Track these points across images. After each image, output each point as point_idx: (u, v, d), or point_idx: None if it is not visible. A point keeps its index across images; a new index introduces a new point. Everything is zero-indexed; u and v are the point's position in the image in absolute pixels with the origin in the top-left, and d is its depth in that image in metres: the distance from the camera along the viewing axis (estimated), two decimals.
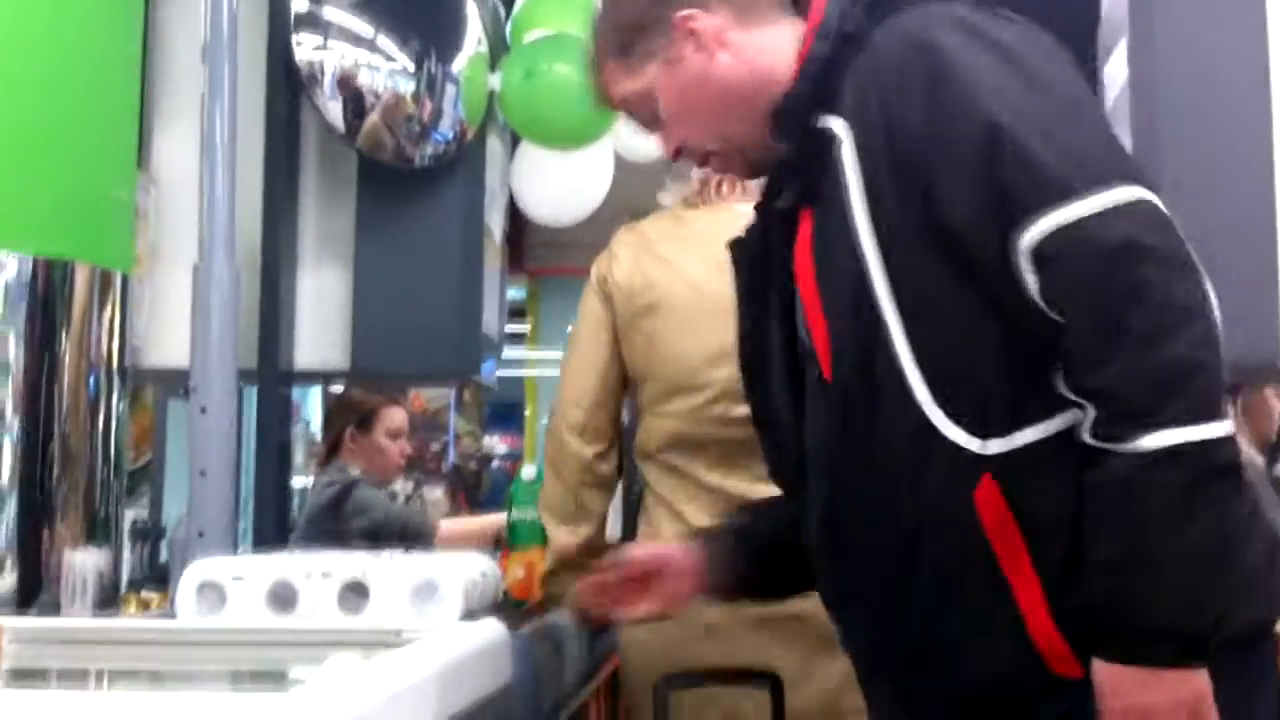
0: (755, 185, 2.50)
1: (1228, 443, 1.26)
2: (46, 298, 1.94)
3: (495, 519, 3.48)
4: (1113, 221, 1.27)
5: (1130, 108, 2.64)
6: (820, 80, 1.47)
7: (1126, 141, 2.64)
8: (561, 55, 3.02)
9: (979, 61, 1.37)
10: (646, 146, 3.46)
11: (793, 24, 1.55)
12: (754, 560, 1.68)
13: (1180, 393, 1.24)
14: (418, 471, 8.41)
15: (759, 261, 1.61)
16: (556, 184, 3.26)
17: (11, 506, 1.88)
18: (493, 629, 1.51)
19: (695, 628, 2.09)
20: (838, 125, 1.44)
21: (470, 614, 1.70)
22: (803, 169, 1.49)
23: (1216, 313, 1.29)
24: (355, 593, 1.66)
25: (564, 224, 3.41)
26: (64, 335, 1.97)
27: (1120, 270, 1.26)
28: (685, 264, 2.35)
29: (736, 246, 1.65)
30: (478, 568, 1.78)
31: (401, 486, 8.31)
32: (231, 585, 1.68)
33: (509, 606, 2.21)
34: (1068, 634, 1.32)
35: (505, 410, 9.87)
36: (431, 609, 1.65)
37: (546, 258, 9.06)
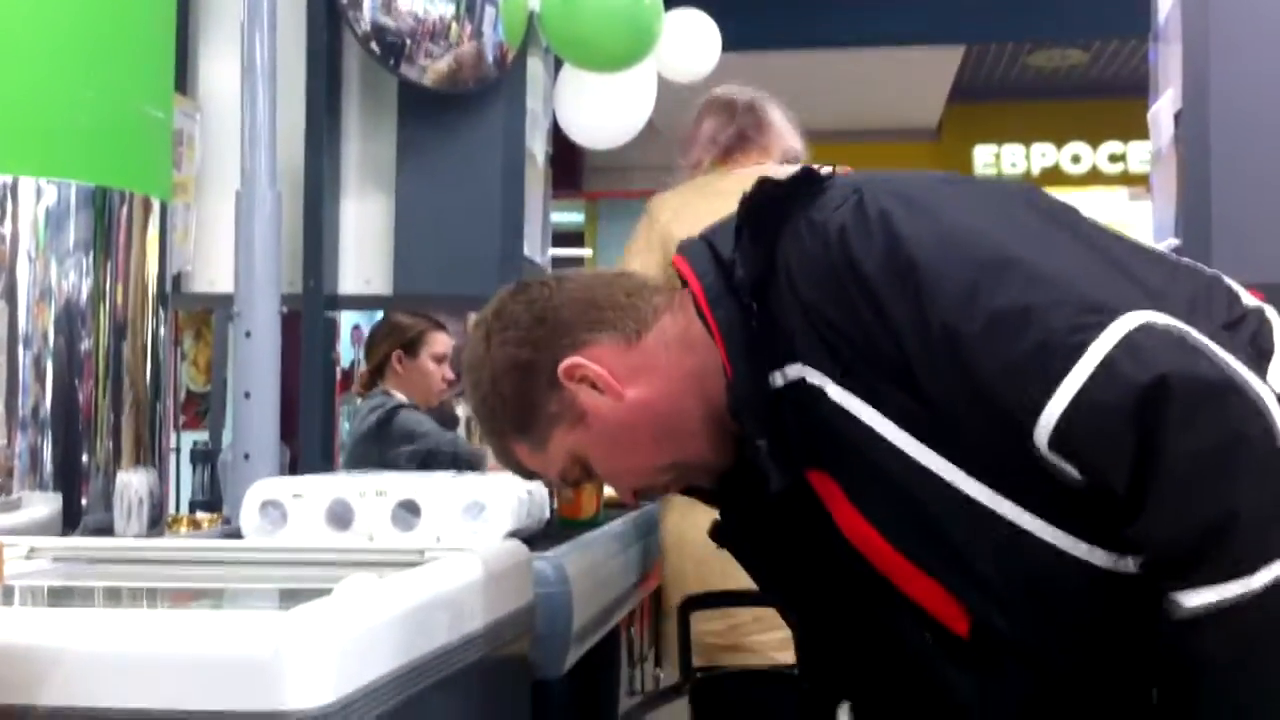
0: (776, 144, 2.61)
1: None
2: (86, 224, 1.96)
3: None
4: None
5: (1181, 24, 2.58)
6: (751, 348, 1.29)
7: (1177, 56, 2.59)
8: None
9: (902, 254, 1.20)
10: (690, 68, 3.45)
11: (684, 295, 1.37)
12: None
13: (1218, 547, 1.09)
14: None
15: (762, 545, 1.45)
16: (599, 106, 3.24)
17: (54, 431, 1.92)
18: (513, 549, 1.52)
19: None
20: (807, 374, 1.26)
21: (516, 532, 1.78)
22: (790, 442, 1.29)
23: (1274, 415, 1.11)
24: (408, 510, 1.74)
25: (607, 147, 3.40)
26: (104, 261, 1.99)
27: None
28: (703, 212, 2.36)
29: (720, 538, 1.47)
30: (524, 488, 1.83)
31: (464, 410, 8.41)
32: (292, 503, 1.76)
33: (556, 525, 2.24)
34: None
35: None
36: (480, 526, 1.72)
37: (603, 181, 9.04)
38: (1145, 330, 1.13)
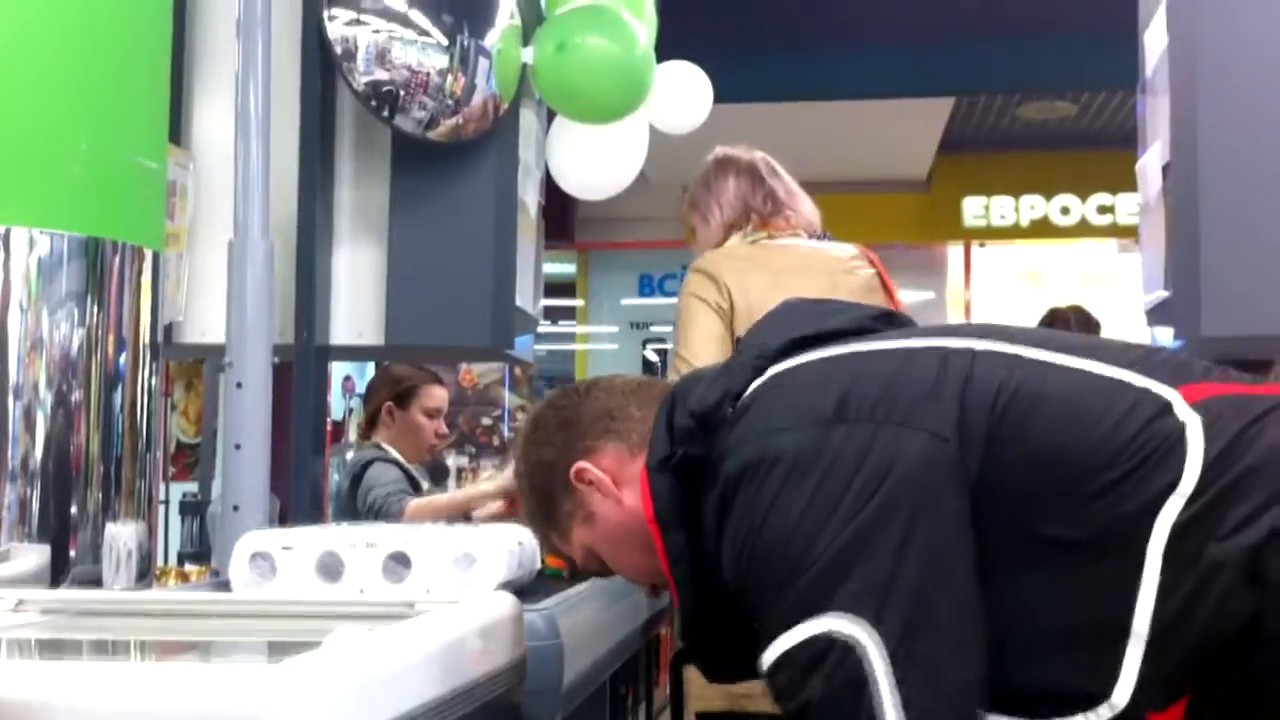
0: (806, 216, 2.75)
1: None
2: (77, 275, 1.96)
3: (469, 491, 3.49)
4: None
5: (1169, 76, 2.60)
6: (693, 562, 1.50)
7: (1165, 108, 2.61)
8: (594, 28, 3.01)
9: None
10: (683, 119, 3.47)
11: None
12: None
13: None
14: (470, 445, 8.47)
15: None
16: (591, 157, 3.25)
17: (43, 482, 1.91)
18: (504, 601, 1.51)
19: None
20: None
21: (508, 583, 1.78)
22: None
23: None
24: (399, 562, 1.76)
25: (599, 198, 3.41)
26: (96, 311, 1.99)
27: None
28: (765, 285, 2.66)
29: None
30: (515, 538, 1.86)
31: (454, 461, 8.39)
32: (281, 555, 1.78)
33: (544, 576, 2.23)
34: None
35: (558, 384, 9.92)
36: (471, 578, 1.74)
37: (595, 232, 9.06)
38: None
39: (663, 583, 1.59)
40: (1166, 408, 1.36)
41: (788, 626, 1.35)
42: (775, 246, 2.77)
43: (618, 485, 1.56)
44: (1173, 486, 1.31)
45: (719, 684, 1.77)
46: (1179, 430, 1.34)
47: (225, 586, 1.92)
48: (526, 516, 1.70)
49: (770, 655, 1.36)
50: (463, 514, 3.26)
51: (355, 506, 3.36)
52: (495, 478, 2.99)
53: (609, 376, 1.70)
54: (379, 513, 3.40)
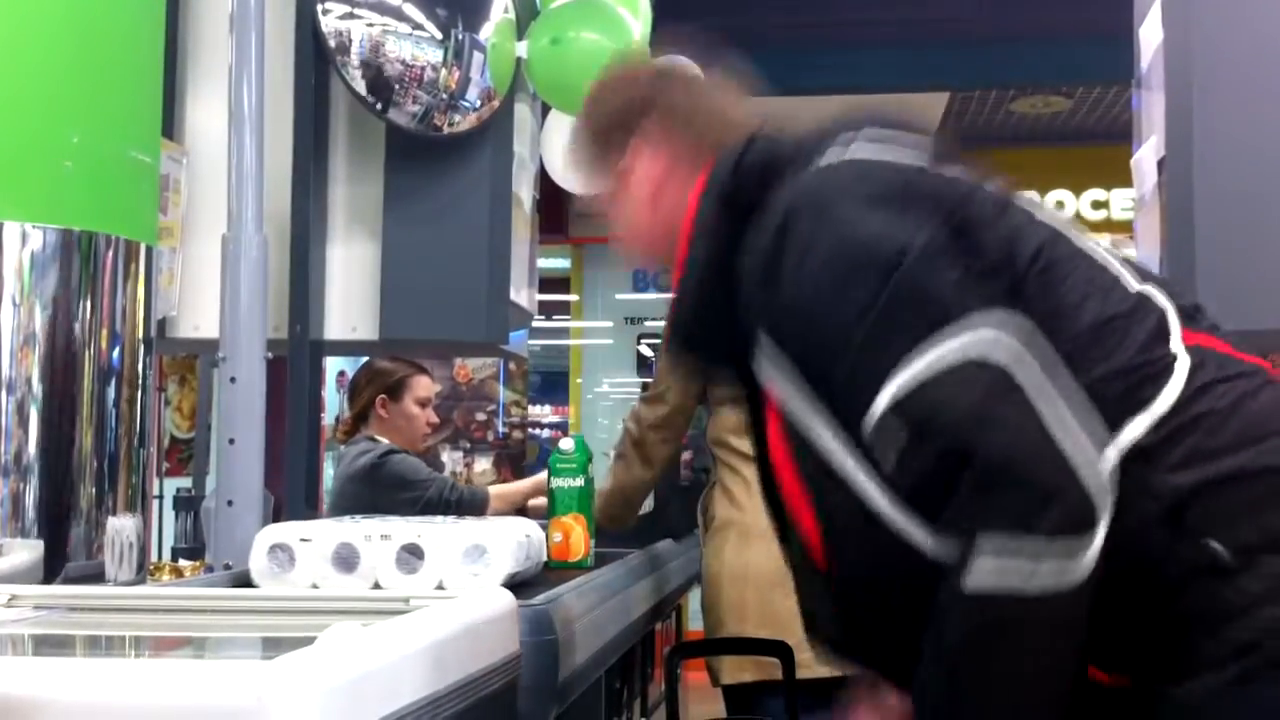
0: None
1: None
2: (71, 269, 1.96)
3: (539, 478, 3.49)
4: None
5: (1164, 71, 2.59)
6: (706, 290, 1.50)
7: (1160, 103, 2.60)
8: (588, 22, 3.01)
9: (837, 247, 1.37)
10: None
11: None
12: None
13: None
14: (464, 440, 8.46)
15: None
16: None
17: (37, 477, 1.90)
18: (500, 597, 1.51)
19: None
20: (753, 322, 1.42)
21: (516, 574, 1.90)
22: (729, 364, 1.52)
23: None
24: (412, 554, 1.85)
25: (593, 192, 3.39)
26: (88, 307, 1.98)
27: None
28: None
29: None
30: (523, 531, 1.99)
31: (449, 456, 8.39)
32: (299, 547, 1.86)
33: (550, 568, 2.25)
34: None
35: (553, 379, 9.91)
36: (481, 570, 1.84)
37: (589, 227, 9.05)
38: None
39: (636, 254, 1.69)
40: (1168, 336, 1.38)
41: (906, 353, 1.28)
42: None
43: (660, 167, 1.59)
44: (1146, 403, 1.33)
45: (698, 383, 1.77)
46: (1171, 360, 1.36)
47: (241, 578, 1.93)
48: (572, 147, 1.74)
49: (898, 388, 1.28)
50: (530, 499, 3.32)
51: (372, 496, 3.32)
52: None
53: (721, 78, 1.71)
54: (459, 503, 3.39)
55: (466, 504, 3.41)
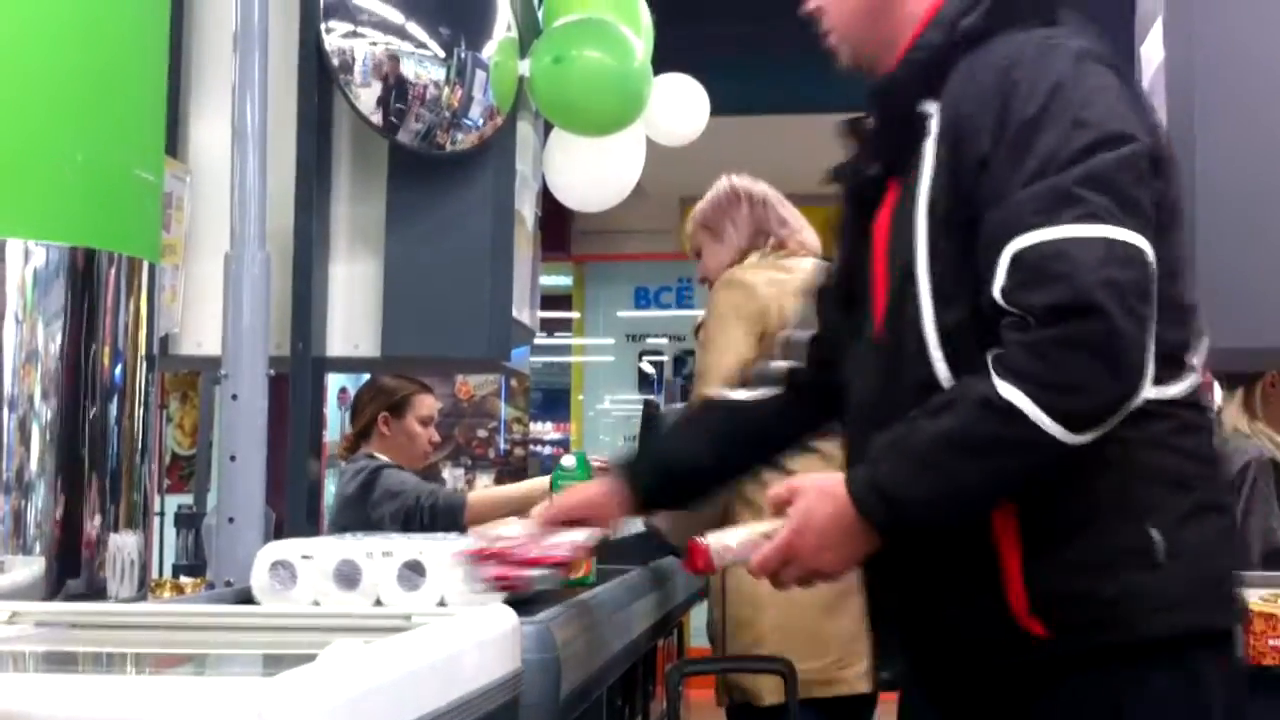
0: (812, 243, 3.01)
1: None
2: (73, 286, 1.96)
3: (531, 484, 3.48)
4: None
5: (1165, 88, 2.60)
6: (924, 69, 1.58)
7: (1161, 121, 2.61)
8: (590, 41, 3.02)
9: (1060, 103, 1.47)
10: (679, 131, 3.47)
11: None
12: (666, 478, 1.84)
13: None
14: (466, 457, 8.46)
15: (852, 208, 1.71)
16: (588, 169, 3.25)
17: (38, 494, 1.90)
18: (501, 615, 1.51)
19: None
20: (933, 112, 1.54)
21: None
22: (894, 145, 1.60)
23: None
24: (414, 570, 1.85)
25: (595, 210, 3.41)
26: (91, 324, 1.98)
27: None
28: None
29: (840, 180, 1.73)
30: None
31: (450, 474, 8.38)
32: (301, 564, 1.86)
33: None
34: (1035, 595, 1.47)
35: (554, 396, 9.92)
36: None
37: (592, 245, 9.06)
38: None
39: (832, 27, 1.72)
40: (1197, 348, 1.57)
41: (1073, 217, 1.41)
42: (794, 264, 2.91)
43: None
44: (1163, 384, 1.50)
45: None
46: (1192, 368, 1.55)
47: (242, 594, 1.93)
48: None
49: (1051, 235, 1.41)
50: (518, 510, 3.28)
51: (365, 516, 3.33)
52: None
53: None
54: (437, 509, 3.38)
55: (442, 509, 3.40)
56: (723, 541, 1.58)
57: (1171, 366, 1.49)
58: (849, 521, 1.48)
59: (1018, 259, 1.42)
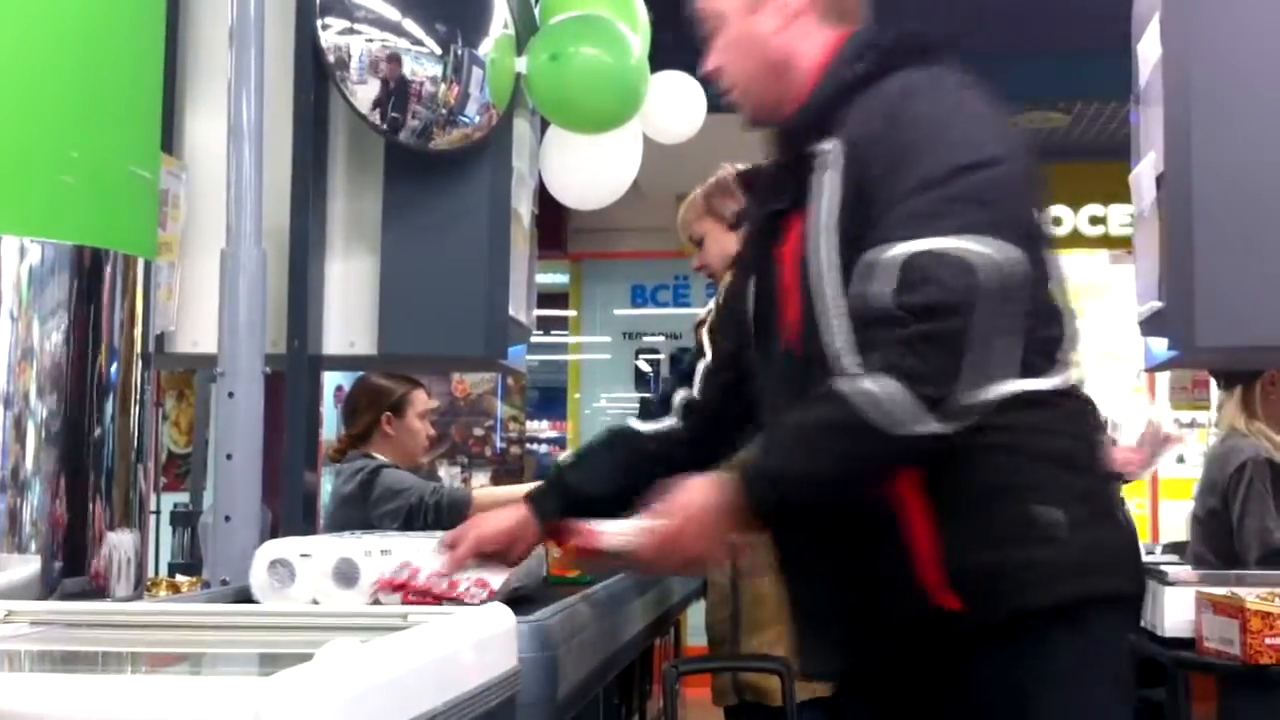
0: None
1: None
2: (69, 284, 1.96)
3: (533, 486, 3.47)
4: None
5: (1163, 86, 2.60)
6: (820, 112, 1.72)
7: (1159, 119, 2.61)
8: (587, 38, 3.01)
9: (942, 128, 1.64)
10: (676, 129, 3.46)
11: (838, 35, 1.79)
12: (572, 508, 1.91)
13: None
14: (462, 455, 8.46)
15: (756, 245, 1.86)
16: (584, 167, 3.24)
17: (34, 492, 1.90)
18: (498, 614, 1.50)
19: None
20: (832, 149, 1.68)
21: (517, 590, 1.90)
22: (797, 182, 1.72)
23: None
24: None
25: (592, 207, 3.40)
26: (87, 321, 1.98)
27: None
28: None
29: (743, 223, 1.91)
30: None
31: (446, 472, 8.38)
32: (299, 562, 1.87)
33: (550, 584, 2.24)
34: (949, 570, 1.59)
35: (551, 394, 9.91)
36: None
37: (588, 242, 9.06)
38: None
39: (733, 86, 1.80)
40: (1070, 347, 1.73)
41: (951, 229, 1.55)
42: None
43: (791, 20, 1.76)
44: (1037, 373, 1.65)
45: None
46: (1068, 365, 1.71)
47: (241, 593, 1.93)
48: None
49: (932, 244, 1.55)
50: None
51: (364, 516, 3.33)
52: None
53: None
54: (442, 507, 3.38)
55: (448, 507, 3.40)
56: (604, 527, 1.70)
57: (1046, 360, 1.65)
58: (727, 508, 1.62)
59: (896, 264, 1.56)
